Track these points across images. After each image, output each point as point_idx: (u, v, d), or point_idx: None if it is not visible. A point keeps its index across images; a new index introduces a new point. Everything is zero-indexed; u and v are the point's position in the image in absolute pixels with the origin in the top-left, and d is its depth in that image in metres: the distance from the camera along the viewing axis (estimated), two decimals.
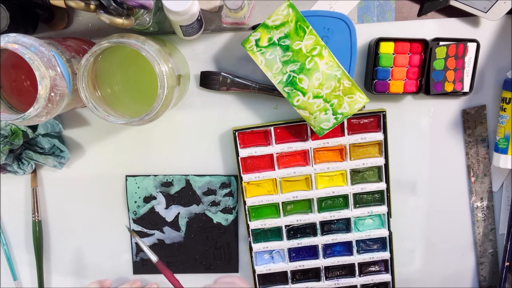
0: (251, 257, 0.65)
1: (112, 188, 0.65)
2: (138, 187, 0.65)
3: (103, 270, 0.68)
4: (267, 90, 0.60)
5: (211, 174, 0.65)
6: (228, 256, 0.67)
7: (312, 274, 0.67)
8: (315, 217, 0.64)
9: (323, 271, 0.66)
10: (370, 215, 0.65)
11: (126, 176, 0.65)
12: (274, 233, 0.65)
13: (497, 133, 0.61)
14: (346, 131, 0.61)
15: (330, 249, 0.66)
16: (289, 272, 0.66)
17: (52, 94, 0.44)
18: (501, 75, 0.62)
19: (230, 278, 0.67)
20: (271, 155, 0.62)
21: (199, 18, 0.52)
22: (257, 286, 0.66)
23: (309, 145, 0.61)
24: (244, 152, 0.62)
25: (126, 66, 0.53)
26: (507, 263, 0.65)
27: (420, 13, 0.60)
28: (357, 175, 0.64)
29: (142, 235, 0.67)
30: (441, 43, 0.58)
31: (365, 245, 0.66)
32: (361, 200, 0.64)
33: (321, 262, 0.65)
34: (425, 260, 0.68)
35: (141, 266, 0.68)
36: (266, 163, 0.63)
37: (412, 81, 0.59)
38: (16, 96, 0.50)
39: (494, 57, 0.61)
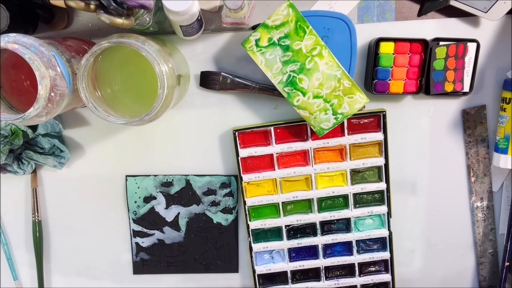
0: (251, 257, 0.65)
1: (112, 188, 0.65)
2: (138, 187, 0.65)
3: (103, 270, 0.68)
4: (267, 90, 0.60)
5: (211, 174, 0.65)
6: (228, 256, 0.67)
7: (312, 274, 0.67)
8: (315, 217, 0.64)
9: (323, 271, 0.66)
10: (370, 215, 0.65)
11: (126, 176, 0.65)
12: (274, 233, 0.65)
13: (497, 133, 0.61)
14: (346, 131, 0.61)
15: (330, 249, 0.66)
16: (289, 272, 0.66)
17: (52, 94, 0.44)
18: (501, 75, 0.62)
19: None
20: (271, 155, 0.62)
21: (199, 18, 0.52)
22: (257, 286, 0.66)
23: (309, 145, 0.61)
24: (244, 152, 0.62)
25: (126, 66, 0.53)
26: (507, 263, 0.65)
27: (420, 13, 0.60)
28: (357, 175, 0.64)
29: (142, 235, 0.67)
30: (441, 43, 0.58)
31: (365, 245, 0.66)
32: (361, 200, 0.64)
33: (321, 262, 0.65)
34: (425, 260, 0.68)
35: (141, 266, 0.68)
36: (266, 163, 0.63)
37: (412, 81, 0.59)
38: (16, 96, 0.50)
39: (494, 57, 0.61)
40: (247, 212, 0.63)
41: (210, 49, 0.61)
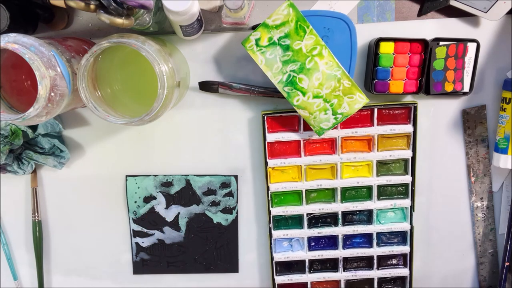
0: (270, 243, 0.65)
1: (112, 188, 0.65)
2: (138, 187, 0.65)
3: (103, 270, 0.68)
4: (267, 93, 0.60)
5: (211, 174, 0.65)
6: (228, 256, 0.67)
7: (330, 265, 0.66)
8: (338, 206, 0.64)
9: (341, 262, 0.65)
10: (393, 208, 0.64)
11: (126, 176, 0.65)
12: (295, 221, 0.65)
13: (497, 133, 0.61)
14: (375, 121, 0.61)
15: (350, 240, 0.66)
16: (307, 261, 0.65)
17: (52, 94, 0.44)
18: (501, 75, 0.62)
19: None
20: (299, 141, 0.61)
21: (199, 18, 0.52)
22: (275, 274, 0.66)
23: (337, 133, 0.61)
24: (271, 137, 0.61)
25: (126, 66, 0.53)
26: (507, 263, 0.65)
27: (420, 13, 0.60)
28: (383, 167, 0.63)
29: (142, 235, 0.66)
30: (441, 43, 0.58)
31: (385, 238, 0.66)
32: (384, 192, 0.64)
33: (340, 253, 0.65)
34: (425, 260, 0.68)
35: (141, 266, 0.68)
36: (292, 149, 0.62)
37: (412, 81, 0.59)
38: (16, 96, 0.50)
39: (494, 57, 0.61)
40: (269, 198, 0.63)
41: (210, 49, 0.61)
